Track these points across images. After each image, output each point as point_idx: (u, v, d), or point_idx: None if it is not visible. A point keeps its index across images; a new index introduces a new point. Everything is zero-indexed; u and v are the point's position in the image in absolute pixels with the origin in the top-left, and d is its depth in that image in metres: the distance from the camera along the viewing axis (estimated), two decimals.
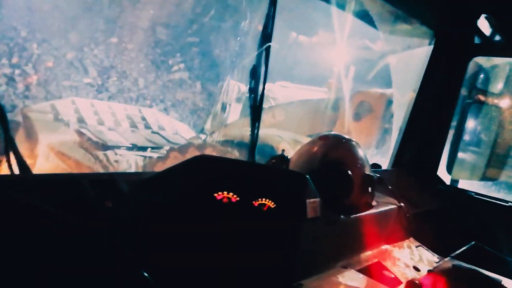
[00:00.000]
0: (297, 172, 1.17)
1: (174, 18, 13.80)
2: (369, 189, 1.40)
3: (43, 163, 6.21)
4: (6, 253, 0.57)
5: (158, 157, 6.34)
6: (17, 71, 11.06)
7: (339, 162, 1.33)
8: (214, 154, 4.81)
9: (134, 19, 13.76)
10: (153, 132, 7.63)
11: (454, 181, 2.52)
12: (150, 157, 6.54)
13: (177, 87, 13.46)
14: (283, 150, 1.48)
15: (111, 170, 6.41)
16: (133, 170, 6.36)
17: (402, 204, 1.64)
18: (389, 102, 4.60)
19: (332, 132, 1.44)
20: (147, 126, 7.80)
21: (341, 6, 2.16)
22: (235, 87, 7.33)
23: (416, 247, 1.66)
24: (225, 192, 1.08)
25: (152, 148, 6.87)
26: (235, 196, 1.08)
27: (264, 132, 4.86)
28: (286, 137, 4.64)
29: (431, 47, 2.37)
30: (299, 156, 1.40)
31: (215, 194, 1.08)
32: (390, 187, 1.66)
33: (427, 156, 2.39)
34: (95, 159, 6.45)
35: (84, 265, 0.64)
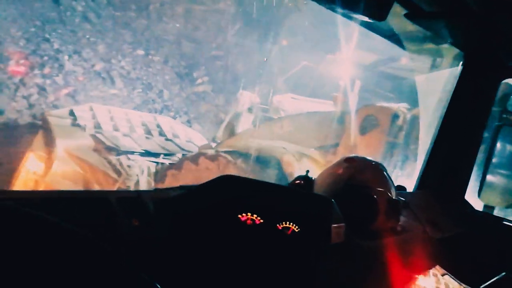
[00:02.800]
0: (323, 196, 1.15)
1: (200, 32, 14.07)
2: (395, 214, 1.37)
3: (59, 165, 6.45)
4: (25, 274, 0.57)
5: (170, 163, 6.44)
6: (48, 81, 11.46)
7: (364, 186, 1.32)
8: (222, 162, 4.84)
9: (160, 32, 14.10)
10: (167, 140, 7.79)
11: (483, 206, 2.44)
12: (162, 163, 6.66)
13: (200, 99, 13.65)
14: (307, 171, 1.47)
15: (123, 174, 6.68)
16: (145, 174, 6.49)
17: (427, 229, 1.60)
18: (395, 117, 4.72)
19: (358, 155, 1.43)
20: (162, 134, 7.98)
21: (369, 27, 2.15)
22: (247, 98, 7.43)
23: (442, 275, 1.61)
24: (249, 214, 1.08)
25: (165, 154, 6.98)
26: (259, 218, 1.07)
27: (269, 143, 4.97)
28: (291, 149, 4.66)
29: (460, 67, 2.33)
30: (324, 178, 1.38)
31: (239, 216, 1.08)
32: (415, 212, 1.62)
33: (454, 179, 2.32)
34: (108, 163, 6.62)
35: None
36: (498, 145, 2.45)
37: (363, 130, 4.87)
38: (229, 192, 1.14)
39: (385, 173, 1.42)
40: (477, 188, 2.35)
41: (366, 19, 1.20)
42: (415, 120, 4.67)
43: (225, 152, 5.01)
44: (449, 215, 2.15)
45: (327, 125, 5.05)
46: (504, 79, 2.31)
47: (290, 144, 4.92)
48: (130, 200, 1.09)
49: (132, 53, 13.41)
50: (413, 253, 1.53)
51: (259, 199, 1.11)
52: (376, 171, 1.41)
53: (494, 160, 2.51)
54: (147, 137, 7.69)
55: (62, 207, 0.98)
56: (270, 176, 4.46)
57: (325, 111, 5.32)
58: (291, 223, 1.05)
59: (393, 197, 1.38)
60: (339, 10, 1.24)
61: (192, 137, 8.13)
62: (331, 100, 5.79)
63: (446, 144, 2.33)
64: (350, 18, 1.84)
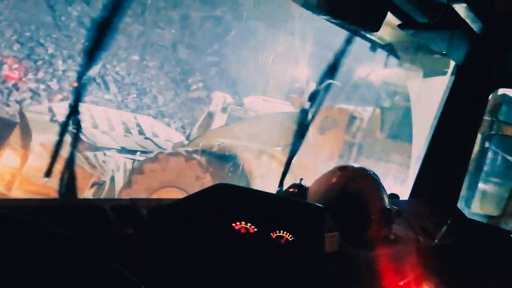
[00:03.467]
0: (316, 205, 1.16)
1: (195, 38, 14.10)
2: (388, 222, 1.38)
3: (34, 159, 6.56)
4: (15, 282, 0.57)
5: (145, 159, 6.59)
6: (42, 86, 11.41)
7: (357, 195, 1.33)
8: (181, 161, 5.02)
9: (156, 37, 14.12)
10: (146, 138, 7.93)
11: (475, 214, 2.46)
12: (138, 160, 6.77)
13: (195, 105, 13.66)
14: (301, 179, 1.48)
15: (99, 169, 6.74)
16: (121, 171, 6.58)
17: (421, 238, 1.61)
18: (352, 117, 5.18)
19: (352, 164, 1.44)
20: (141, 132, 8.15)
21: (364, 37, 2.17)
22: (221, 98, 7.77)
23: (435, 283, 1.62)
24: (243, 223, 1.08)
25: (142, 152, 7.08)
26: (253, 227, 1.07)
27: (233, 142, 5.24)
28: (252, 147, 4.90)
29: (452, 76, 2.36)
30: (318, 186, 1.39)
31: (233, 224, 1.08)
32: (408, 220, 1.63)
33: (447, 188, 2.34)
34: (84, 158, 6.72)
35: None
36: (489, 154, 2.47)
37: (323, 130, 5.28)
38: (223, 200, 1.14)
39: (378, 181, 1.44)
40: (467, 196, 2.37)
41: (360, 29, 1.22)
42: (371, 121, 5.14)
43: (189, 151, 5.18)
44: (442, 224, 2.17)
45: (291, 126, 5.26)
46: (496, 89, 2.35)
47: (253, 143, 5.24)
48: (124, 208, 1.09)
49: (127, 58, 13.41)
50: (406, 261, 1.54)
51: (253, 207, 1.11)
52: (369, 179, 1.42)
53: (485, 168, 2.54)
54: (125, 135, 7.81)
55: (55, 215, 0.98)
56: (228, 172, 4.70)
57: (289, 112, 5.59)
58: (285, 232, 1.05)
59: (386, 206, 1.39)
60: (334, 20, 1.26)
61: (172, 137, 8.25)
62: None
63: (439, 153, 2.35)
64: (343, 27, 1.87)
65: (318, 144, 5.18)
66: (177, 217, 1.14)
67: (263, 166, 4.71)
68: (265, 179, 4.58)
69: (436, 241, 1.84)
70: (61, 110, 7.79)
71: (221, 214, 1.11)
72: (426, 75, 3.02)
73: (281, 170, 1.73)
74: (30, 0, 11.67)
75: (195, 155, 4.89)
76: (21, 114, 7.64)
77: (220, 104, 7.73)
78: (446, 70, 2.39)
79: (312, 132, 5.03)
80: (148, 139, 7.80)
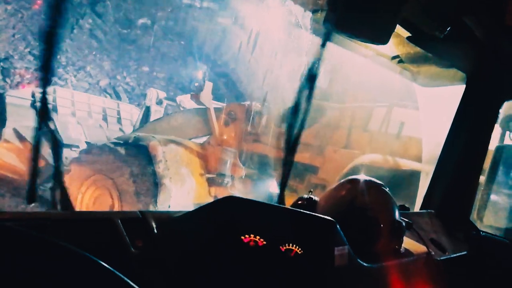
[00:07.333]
0: (326, 218, 1.16)
1: (205, 48, 14.24)
2: (398, 235, 1.36)
3: (6, 143, 7.58)
4: None
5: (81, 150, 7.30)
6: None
7: (367, 207, 1.32)
8: (104, 152, 5.82)
9: (165, 49, 14.29)
10: (121, 130, 8.61)
11: (487, 227, 2.43)
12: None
13: None
14: (310, 191, 1.48)
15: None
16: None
17: (431, 250, 1.59)
18: (248, 111, 6.29)
19: (361, 176, 1.43)
20: (119, 121, 8.72)
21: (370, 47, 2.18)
22: (154, 94, 9.15)
23: None
24: (252, 235, 1.08)
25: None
26: (262, 240, 1.07)
27: (144, 134, 6.25)
28: (160, 139, 5.87)
29: (463, 87, 2.34)
30: (327, 199, 1.39)
31: (242, 237, 1.08)
32: (419, 232, 1.61)
33: (458, 200, 2.31)
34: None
35: None
36: (501, 165, 2.44)
37: (226, 123, 6.35)
38: (231, 213, 1.14)
39: (388, 193, 1.43)
40: (479, 208, 2.34)
41: (369, 43, 1.22)
42: (264, 114, 6.33)
43: (112, 142, 6.15)
44: (453, 236, 2.13)
45: (204, 120, 6.59)
46: (507, 100, 2.33)
47: (165, 136, 6.25)
48: (133, 221, 1.10)
49: (137, 69, 13.59)
50: (417, 274, 1.52)
51: (262, 220, 1.11)
52: (379, 192, 1.41)
53: (497, 180, 2.50)
54: (100, 126, 8.39)
55: (64, 228, 0.99)
56: (137, 158, 5.71)
57: (203, 108, 6.63)
58: (294, 245, 1.05)
59: (396, 218, 1.38)
60: (343, 34, 1.26)
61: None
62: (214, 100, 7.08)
63: (449, 165, 2.33)
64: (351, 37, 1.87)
65: (224, 134, 6.37)
66: (186, 230, 1.14)
67: (169, 151, 5.71)
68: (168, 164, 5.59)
69: (447, 254, 1.81)
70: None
71: (230, 227, 1.11)
72: (434, 85, 3.01)
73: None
74: (43, 14, 11.90)
75: (114, 146, 5.83)
76: (1, 98, 8.32)
77: (154, 99, 9.04)
78: (455, 81, 2.38)
79: (219, 125, 6.40)
80: (122, 130, 9.19)
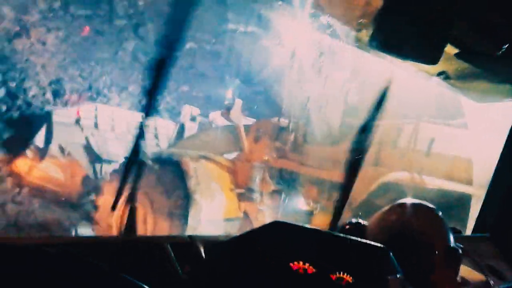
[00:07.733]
0: (379, 246, 1.11)
1: (242, 67, 14.50)
2: (455, 263, 1.29)
3: (50, 160, 8.18)
4: None
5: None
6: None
7: (420, 233, 1.26)
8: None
9: (203, 69, 14.69)
10: (157, 145, 9.09)
11: None
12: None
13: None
14: (358, 215, 1.43)
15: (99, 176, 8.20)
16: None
17: (490, 279, 1.50)
18: (281, 129, 6.45)
19: (411, 199, 1.38)
20: (156, 137, 9.24)
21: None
22: (188, 110, 9.85)
23: None
24: (301, 262, 1.05)
25: None
26: (311, 267, 1.04)
27: (179, 150, 6.70)
28: (192, 154, 6.15)
29: None
30: (376, 224, 1.34)
31: (291, 264, 1.06)
32: (475, 259, 1.52)
33: None
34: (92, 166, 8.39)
35: None
36: None
37: (256, 139, 6.51)
38: (280, 238, 1.12)
39: (441, 217, 1.36)
40: None
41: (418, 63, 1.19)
42: (294, 130, 6.38)
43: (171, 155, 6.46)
44: (509, 262, 2.00)
45: (235, 136, 6.74)
46: None
47: (197, 151, 6.51)
48: (182, 245, 1.11)
49: (177, 89, 14.01)
50: None
51: (311, 246, 1.08)
52: (432, 216, 1.34)
53: None
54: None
55: (116, 254, 1.01)
56: (170, 174, 5.95)
57: (234, 124, 6.81)
58: (346, 274, 1.01)
59: (451, 244, 1.31)
60: (390, 54, 1.24)
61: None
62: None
63: (504, 185, 2.21)
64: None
65: (254, 150, 6.52)
66: (233, 255, 1.13)
67: (200, 167, 5.94)
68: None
69: (504, 281, 1.69)
70: (86, 113, 9.50)
71: (278, 253, 1.09)
72: (485, 101, 2.88)
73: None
74: (90, 39, 12.57)
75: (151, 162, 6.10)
76: (48, 115, 9.25)
77: (187, 115, 9.70)
78: (509, 96, 2.26)
79: (249, 141, 6.62)
80: (158, 146, 9.82)
